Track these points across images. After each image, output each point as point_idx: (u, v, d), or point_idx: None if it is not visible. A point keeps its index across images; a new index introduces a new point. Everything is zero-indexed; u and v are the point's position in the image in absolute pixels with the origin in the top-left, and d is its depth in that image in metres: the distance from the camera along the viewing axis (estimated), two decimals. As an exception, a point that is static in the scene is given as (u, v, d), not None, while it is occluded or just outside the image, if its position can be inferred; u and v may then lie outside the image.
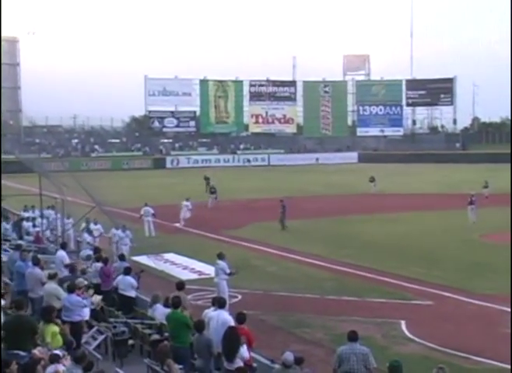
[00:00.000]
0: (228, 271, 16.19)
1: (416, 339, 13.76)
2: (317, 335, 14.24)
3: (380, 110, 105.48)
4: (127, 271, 14.52)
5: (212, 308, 11.18)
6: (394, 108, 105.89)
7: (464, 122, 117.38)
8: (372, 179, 49.44)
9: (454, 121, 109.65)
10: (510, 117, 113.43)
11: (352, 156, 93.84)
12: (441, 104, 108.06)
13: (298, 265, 22.21)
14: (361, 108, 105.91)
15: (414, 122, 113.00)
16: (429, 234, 28.38)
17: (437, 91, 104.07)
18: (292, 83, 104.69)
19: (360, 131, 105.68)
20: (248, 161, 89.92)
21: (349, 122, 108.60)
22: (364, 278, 19.76)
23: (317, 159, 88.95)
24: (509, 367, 11.90)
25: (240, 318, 10.33)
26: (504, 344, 13.27)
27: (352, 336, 9.36)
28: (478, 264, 21.55)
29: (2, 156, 40.85)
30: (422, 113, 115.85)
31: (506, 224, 29.80)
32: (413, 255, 23.40)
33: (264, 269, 21.62)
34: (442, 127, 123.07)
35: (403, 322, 14.89)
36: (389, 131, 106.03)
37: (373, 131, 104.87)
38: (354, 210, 37.53)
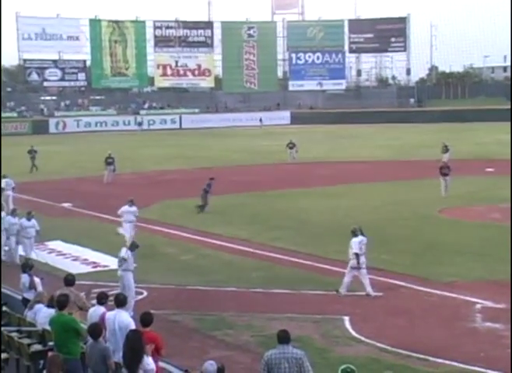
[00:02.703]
0: (134, 265, 16.16)
1: (363, 338, 14.05)
2: (242, 337, 14.32)
3: (318, 58, 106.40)
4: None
5: (95, 307, 11.12)
6: (334, 55, 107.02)
7: (419, 72, 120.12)
8: (292, 145, 49.79)
9: (408, 71, 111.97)
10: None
11: (284, 116, 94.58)
12: (392, 50, 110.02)
13: (218, 252, 22.27)
14: (294, 56, 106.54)
15: (359, 73, 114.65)
16: (377, 210, 29.00)
17: (387, 34, 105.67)
18: (208, 25, 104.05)
19: (293, 85, 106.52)
20: (154, 123, 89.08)
21: (279, 73, 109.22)
22: (299, 266, 19.99)
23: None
24: (474, 368, 12.36)
25: (144, 319, 10.25)
26: (468, 341, 13.78)
27: (283, 337, 9.42)
28: (436, 246, 22.19)
29: None
30: (368, 61, 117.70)
31: (469, 197, 30.91)
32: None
33: (176, 258, 21.59)
34: (393, 78, 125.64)
35: (347, 319, 15.17)
36: (329, 85, 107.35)
37: (309, 85, 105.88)
38: (286, 182, 37.94)
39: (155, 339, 10.03)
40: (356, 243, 17.24)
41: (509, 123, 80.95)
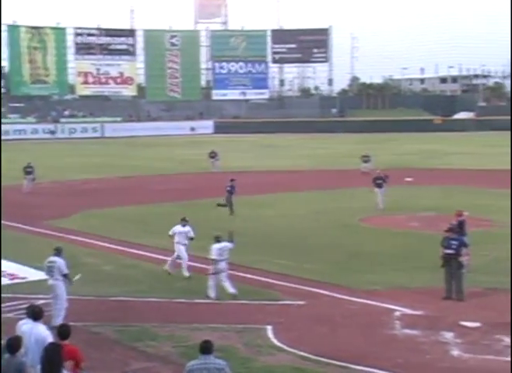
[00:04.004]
0: (65, 271, 15.79)
1: (285, 347, 14.13)
2: (164, 348, 14.21)
3: (241, 68, 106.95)
4: None
5: (25, 320, 10.84)
6: (257, 65, 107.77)
7: (341, 83, 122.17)
8: (213, 155, 49.89)
9: (330, 82, 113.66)
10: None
11: (207, 125, 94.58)
12: (314, 61, 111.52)
13: (141, 262, 22.10)
14: (217, 65, 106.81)
15: (282, 83, 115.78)
16: (301, 219, 29.28)
17: (309, 45, 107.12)
18: (131, 32, 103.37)
19: (216, 94, 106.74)
20: (75, 131, 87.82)
21: (203, 82, 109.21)
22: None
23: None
24: (392, 374, 12.61)
25: (62, 332, 10.08)
26: (387, 348, 14.02)
27: (206, 348, 9.42)
28: (357, 254, 22.54)
29: None
30: (291, 71, 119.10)
31: (389, 206, 31.49)
32: (281, 245, 24.02)
33: (97, 268, 21.30)
34: (315, 88, 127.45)
35: (269, 328, 15.23)
36: (252, 94, 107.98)
37: (233, 94, 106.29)
38: (210, 191, 37.86)
39: (73, 352, 9.87)
40: (216, 249, 17.82)
41: (427, 133, 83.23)
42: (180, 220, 20.98)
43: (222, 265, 17.85)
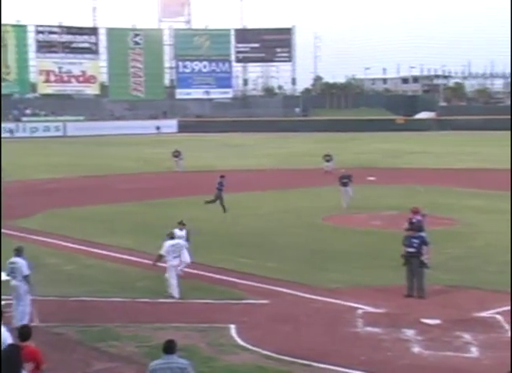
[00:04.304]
0: (26, 272, 15.61)
1: (249, 346, 14.15)
2: (127, 348, 14.15)
3: (205, 67, 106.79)
4: None
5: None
6: (221, 64, 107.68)
7: (304, 82, 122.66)
8: (177, 154, 49.79)
9: (293, 81, 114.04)
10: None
11: (171, 124, 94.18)
12: (278, 60, 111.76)
13: (103, 261, 21.94)
14: (181, 64, 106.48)
15: (246, 82, 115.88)
16: (264, 218, 29.33)
17: (273, 44, 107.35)
18: (93, 31, 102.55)
19: (180, 93, 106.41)
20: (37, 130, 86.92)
21: (166, 81, 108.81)
22: (186, 275, 19.91)
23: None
24: (355, 372, 12.69)
25: (23, 333, 9.97)
26: (350, 345, 14.12)
27: (169, 347, 9.41)
28: (320, 252, 22.65)
29: None
30: (255, 71, 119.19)
31: (352, 205, 31.68)
32: (245, 244, 24.05)
33: (59, 268, 21.12)
34: (279, 88, 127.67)
35: (233, 327, 15.24)
36: (216, 93, 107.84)
37: (196, 93, 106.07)
38: (174, 191, 37.88)
39: (34, 353, 9.77)
40: (167, 246, 18.05)
41: (389, 133, 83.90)
42: (177, 223, 20.29)
43: (176, 262, 18.08)
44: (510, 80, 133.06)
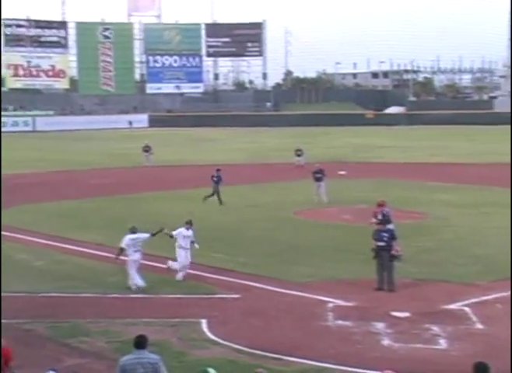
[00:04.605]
0: None
1: (220, 340, 14.17)
2: (98, 344, 14.10)
3: (175, 62, 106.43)
4: None
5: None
6: (191, 59, 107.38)
7: (275, 77, 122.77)
8: (147, 148, 49.64)
9: (264, 76, 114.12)
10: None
11: (142, 119, 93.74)
12: (248, 55, 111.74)
13: (74, 257, 21.81)
14: (151, 58, 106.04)
15: (216, 76, 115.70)
16: (235, 212, 29.35)
17: (243, 38, 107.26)
18: (62, 24, 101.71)
19: (151, 88, 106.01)
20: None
21: (137, 76, 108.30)
22: (157, 270, 19.91)
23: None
24: (325, 365, 12.76)
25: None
26: (320, 339, 14.20)
27: (139, 343, 9.41)
28: (292, 247, 22.72)
29: None
30: (226, 65, 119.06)
31: (322, 199, 31.80)
32: (216, 239, 24.02)
33: (29, 264, 20.96)
34: (250, 82, 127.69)
35: (204, 322, 15.24)
36: (186, 88, 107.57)
37: (167, 88, 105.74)
38: (144, 186, 37.76)
39: (3, 351, 9.70)
40: (127, 239, 18.17)
41: (359, 127, 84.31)
42: (185, 223, 19.37)
43: (137, 256, 18.08)
44: (478, 75, 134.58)
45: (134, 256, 18.08)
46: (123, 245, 18.15)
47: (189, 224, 19.37)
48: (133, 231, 18.48)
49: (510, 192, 31.26)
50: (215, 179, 32.19)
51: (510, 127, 66.37)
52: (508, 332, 14.41)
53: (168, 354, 12.58)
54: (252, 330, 14.88)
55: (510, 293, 17.05)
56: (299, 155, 46.16)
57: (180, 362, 12.78)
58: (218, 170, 32.64)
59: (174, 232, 19.26)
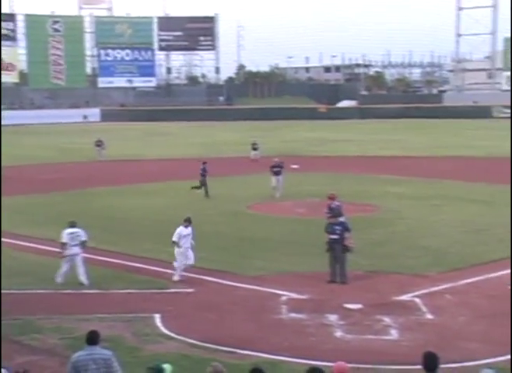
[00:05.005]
0: None
1: (174, 335, 14.16)
2: (50, 341, 13.96)
3: (127, 55, 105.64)
4: None
5: None
6: (144, 53, 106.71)
7: (228, 71, 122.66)
8: (99, 143, 49.28)
9: (217, 70, 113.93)
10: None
11: (94, 113, 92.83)
12: (201, 49, 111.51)
13: (24, 253, 21.57)
14: (102, 52, 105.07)
15: (169, 70, 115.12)
16: (190, 206, 29.24)
17: (196, 32, 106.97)
18: (11, 17, 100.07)
19: (103, 82, 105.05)
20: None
21: (88, 70, 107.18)
22: (110, 265, 19.81)
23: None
24: (279, 357, 12.84)
25: None
26: (274, 332, 14.27)
27: (91, 338, 9.36)
28: (245, 241, 22.78)
29: None
30: (178, 59, 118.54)
31: (274, 192, 31.94)
32: (170, 233, 23.83)
33: (-22, 261, 20.61)
34: (203, 77, 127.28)
35: (158, 316, 15.21)
36: (139, 82, 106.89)
37: (119, 82, 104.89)
38: (97, 181, 37.46)
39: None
40: (64, 234, 18.22)
41: (312, 121, 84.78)
42: (184, 221, 18.73)
43: (75, 250, 18.05)
44: (427, 69, 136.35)
45: (71, 251, 18.00)
46: (64, 240, 18.11)
47: (187, 222, 18.61)
48: (72, 225, 18.46)
49: (479, 186, 31.77)
50: (201, 171, 32.80)
51: (462, 120, 67.40)
52: (456, 322, 14.73)
53: (122, 350, 12.53)
54: (206, 324, 14.89)
55: (460, 283, 17.45)
56: (255, 149, 46.23)
57: (134, 357, 12.74)
58: (204, 163, 33.21)
59: (174, 236, 18.38)
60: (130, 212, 28.14)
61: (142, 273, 18.91)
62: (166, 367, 8.62)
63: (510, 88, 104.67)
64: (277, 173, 32.15)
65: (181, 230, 18.48)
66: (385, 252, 20.97)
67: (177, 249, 18.40)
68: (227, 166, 43.79)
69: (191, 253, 18.44)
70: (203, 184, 32.47)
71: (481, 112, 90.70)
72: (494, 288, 17.15)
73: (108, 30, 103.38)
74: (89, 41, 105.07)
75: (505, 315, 14.95)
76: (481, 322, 14.79)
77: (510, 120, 70.15)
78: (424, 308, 15.66)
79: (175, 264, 18.38)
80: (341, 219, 18.95)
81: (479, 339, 13.71)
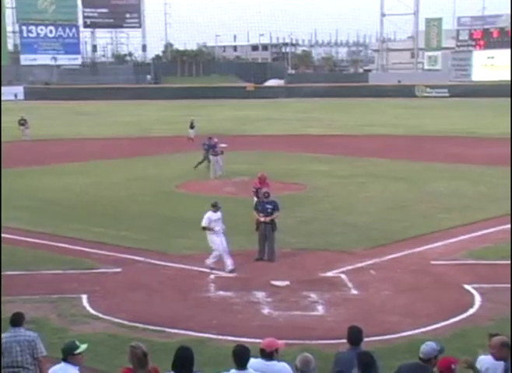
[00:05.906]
0: None
1: (101, 315, 14.05)
2: (-26, 324, 13.70)
3: (51, 32, 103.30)
4: None
5: None
6: (68, 29, 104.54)
7: (155, 49, 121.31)
8: (23, 122, 48.25)
9: (144, 48, 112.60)
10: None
11: (17, 91, 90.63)
12: (127, 26, 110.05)
13: None
14: (25, 28, 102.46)
15: (94, 48, 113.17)
16: (116, 186, 29.03)
17: (122, 9, 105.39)
18: None
19: (25, 59, 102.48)
20: None
21: (10, 47, 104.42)
22: (36, 246, 19.50)
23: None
24: (207, 335, 12.90)
25: None
26: (202, 310, 14.32)
27: (15, 320, 9.24)
28: (174, 220, 22.71)
29: None
30: (104, 36, 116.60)
31: (204, 172, 31.91)
32: (96, 213, 23.73)
33: None
34: (130, 55, 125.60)
35: (84, 297, 15.07)
36: (63, 59, 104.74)
37: (43, 59, 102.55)
38: (22, 161, 36.72)
39: None
40: None
41: (240, 100, 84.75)
42: (211, 206, 17.46)
43: None
44: (353, 49, 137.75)
45: None
46: None
47: (215, 207, 17.39)
48: None
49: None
50: (205, 147, 32.49)
51: (387, 99, 68.37)
52: (380, 297, 15.06)
53: (47, 331, 12.40)
54: (134, 304, 14.82)
55: (384, 259, 17.82)
56: (192, 128, 45.87)
57: (60, 338, 12.56)
58: (209, 138, 32.94)
59: (203, 221, 17.28)
60: (55, 192, 27.69)
61: (67, 254, 18.66)
62: (81, 345, 8.52)
63: (430, 68, 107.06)
64: (216, 153, 31.96)
65: (210, 215, 17.29)
66: (312, 229, 21.22)
67: (209, 236, 17.37)
68: (154, 145, 43.48)
69: (223, 238, 17.42)
70: (206, 158, 32.62)
71: (404, 91, 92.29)
72: (416, 263, 17.57)
73: (30, 6, 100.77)
74: (9, 17, 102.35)
75: (426, 289, 15.38)
76: (403, 296, 15.15)
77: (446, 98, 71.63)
78: (349, 284, 15.94)
79: (212, 258, 17.22)
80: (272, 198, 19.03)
81: (401, 313, 14.06)
